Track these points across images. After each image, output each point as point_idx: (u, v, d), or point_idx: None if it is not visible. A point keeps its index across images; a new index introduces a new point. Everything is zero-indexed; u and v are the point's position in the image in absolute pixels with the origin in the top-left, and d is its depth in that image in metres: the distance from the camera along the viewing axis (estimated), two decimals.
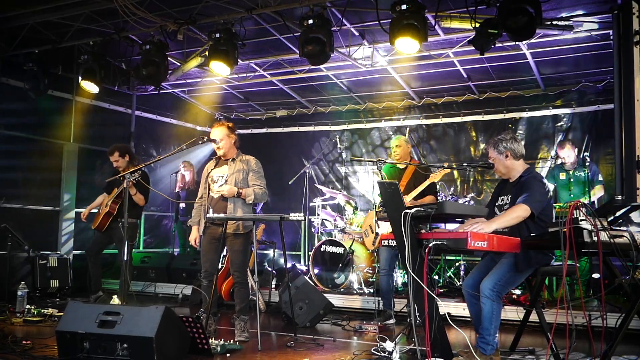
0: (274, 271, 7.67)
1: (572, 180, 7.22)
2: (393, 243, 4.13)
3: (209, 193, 5.38)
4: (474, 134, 9.45)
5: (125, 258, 5.04)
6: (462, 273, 7.47)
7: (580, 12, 6.69)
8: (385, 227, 5.99)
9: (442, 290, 7.23)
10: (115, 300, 5.26)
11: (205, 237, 5.33)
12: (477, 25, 5.91)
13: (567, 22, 6.63)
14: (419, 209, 3.72)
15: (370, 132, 10.23)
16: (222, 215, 5.08)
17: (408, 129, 9.02)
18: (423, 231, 4.00)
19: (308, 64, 7.65)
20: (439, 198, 7.95)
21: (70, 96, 8.67)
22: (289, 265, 8.74)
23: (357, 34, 7.54)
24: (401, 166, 5.95)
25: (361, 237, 7.52)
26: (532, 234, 4.02)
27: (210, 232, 5.30)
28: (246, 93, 10.26)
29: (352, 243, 7.51)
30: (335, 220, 8.37)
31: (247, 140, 10.46)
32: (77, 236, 8.63)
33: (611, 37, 6.91)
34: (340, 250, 7.57)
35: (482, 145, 9.32)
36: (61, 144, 8.65)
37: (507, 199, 4.36)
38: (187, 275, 7.98)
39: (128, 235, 4.98)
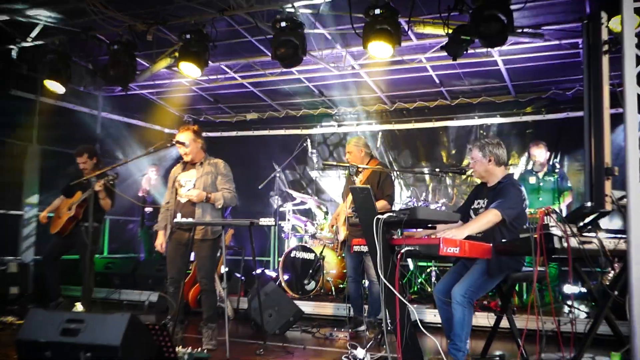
0: (242, 277, 7.62)
1: (541, 184, 7.33)
2: (365, 249, 4.14)
3: (175, 198, 5.33)
4: (445, 139, 9.55)
5: (89, 263, 4.95)
6: (433, 279, 7.53)
7: (550, 20, 6.82)
8: (342, 233, 6.01)
9: (414, 297, 7.27)
10: (79, 307, 5.17)
11: (171, 243, 5.28)
12: (450, 31, 5.98)
13: (537, 31, 6.77)
14: (392, 214, 3.74)
15: (342, 135, 10.27)
16: (190, 220, 5.04)
17: (380, 133, 9.07)
18: (395, 236, 4.02)
19: (280, 67, 7.64)
20: (410, 203, 8.04)
21: (33, 96, 8.50)
22: (258, 271, 8.70)
23: (329, 37, 7.57)
24: (359, 169, 5.97)
25: (332, 243, 7.52)
26: (504, 240, 4.07)
27: (177, 237, 5.25)
28: (216, 95, 10.20)
29: (322, 249, 7.51)
30: (305, 226, 8.36)
31: (216, 143, 10.39)
32: (39, 241, 8.44)
33: (580, 47, 7.08)
34: (311, 256, 7.56)
35: (453, 151, 9.42)
36: (24, 146, 8.47)
37: (483, 203, 4.42)
38: (153, 282, 7.88)
39: (91, 240, 4.90)
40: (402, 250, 3.67)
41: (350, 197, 5.54)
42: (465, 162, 9.21)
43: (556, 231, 3.42)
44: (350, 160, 5.97)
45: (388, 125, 9.89)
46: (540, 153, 7.37)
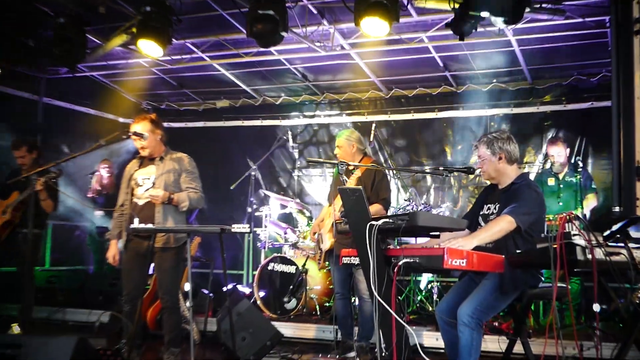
0: (211, 294, 7.59)
1: (561, 186, 7.39)
2: (356, 261, 4.15)
3: (132, 199, 5.30)
4: (450, 132, 9.60)
5: (28, 277, 4.91)
6: (435, 297, 7.55)
7: None
8: (327, 241, 6.01)
9: (412, 317, 7.29)
10: (15, 329, 5.12)
11: (127, 253, 5.25)
12: (457, 5, 6.00)
13: (558, 6, 6.80)
14: (387, 220, 3.74)
15: (329, 127, 10.30)
16: (149, 226, 5.01)
17: (374, 125, 9.08)
18: (391, 247, 4.03)
19: (256, 46, 7.62)
20: (409, 208, 8.07)
21: None
22: (229, 287, 8.67)
23: (315, 11, 7.56)
24: (349, 168, 5.99)
25: (314, 253, 7.52)
26: (518, 251, 4.09)
27: (133, 246, 5.23)
28: (181, 79, 10.16)
29: (305, 261, 7.50)
30: (285, 234, 8.35)
31: (180, 135, 10.37)
32: None
33: (608, 25, 7.13)
34: (292, 269, 7.55)
35: (459, 146, 9.48)
36: None
37: (495, 208, 4.45)
38: (105, 299, 7.82)
39: (31, 249, 4.86)
40: (400, 263, 3.68)
41: (338, 199, 5.53)
42: (472, 160, 9.26)
43: (579, 241, 3.44)
44: (339, 156, 5.97)
45: (383, 115, 9.92)
46: (559, 152, 7.42)
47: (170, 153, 5.42)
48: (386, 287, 3.73)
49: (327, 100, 10.25)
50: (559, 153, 7.41)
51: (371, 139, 9.03)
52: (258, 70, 9.57)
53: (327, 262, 6.28)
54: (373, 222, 3.78)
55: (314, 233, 6.23)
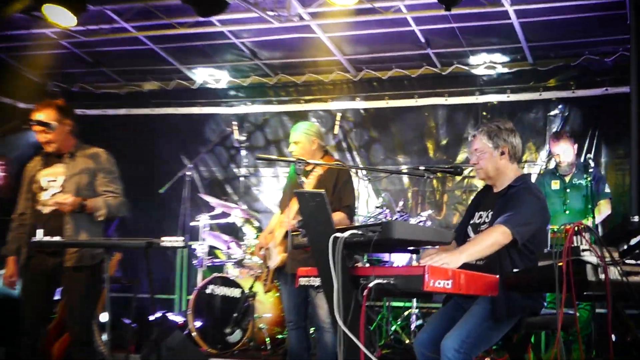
0: (134, 325, 7.52)
1: (568, 191, 7.48)
2: (315, 282, 4.14)
3: (34, 206, 5.25)
4: (433, 124, 9.67)
5: None
6: (413, 326, 7.58)
7: None
8: (276, 258, 6.00)
9: (385, 351, 7.31)
10: None
11: (28, 273, 5.19)
12: None
13: None
14: (356, 232, 3.74)
15: (283, 117, 10.29)
16: (57, 239, 4.94)
17: (339, 114, 9.10)
18: (360, 265, 4.02)
19: (194, 15, 7.57)
20: (382, 216, 8.08)
21: None
22: (157, 315, 8.60)
23: None
24: (307, 167, 6.00)
25: (261, 271, 7.49)
26: (515, 270, 4.12)
27: (36, 264, 5.17)
28: (97, 54, 10.03)
29: (253, 282, 7.47)
30: (229, 248, 8.32)
31: (96, 125, 10.24)
32: None
33: None
34: (236, 292, 7.53)
35: (444, 141, 9.56)
36: None
37: (487, 216, 4.50)
38: None
39: None
40: (371, 285, 3.67)
41: (293, 205, 5.52)
42: (461, 157, 9.35)
43: (590, 257, 3.47)
44: (296, 153, 5.97)
45: (351, 102, 9.96)
46: (565, 150, 7.49)
47: (82, 148, 5.35)
48: (353, 315, 3.72)
49: (281, 83, 10.23)
50: (565, 151, 7.48)
51: (335, 132, 9.06)
52: (195, 45, 9.50)
53: (276, 281, 6.26)
54: (338, 234, 3.77)
55: (260, 248, 6.20)
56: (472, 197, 5.08)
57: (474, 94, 9.45)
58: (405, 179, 9.65)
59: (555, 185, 7.53)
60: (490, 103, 9.40)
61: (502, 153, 4.49)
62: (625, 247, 3.65)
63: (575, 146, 7.58)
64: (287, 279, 5.85)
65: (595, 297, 3.74)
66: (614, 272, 3.52)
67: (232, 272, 8.04)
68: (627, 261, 3.62)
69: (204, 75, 10.40)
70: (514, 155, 4.52)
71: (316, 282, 4.14)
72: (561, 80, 9.13)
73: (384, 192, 9.28)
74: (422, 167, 4.76)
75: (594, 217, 7.10)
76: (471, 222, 4.59)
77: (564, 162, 7.48)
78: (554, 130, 8.89)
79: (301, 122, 6.42)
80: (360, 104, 9.94)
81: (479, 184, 8.94)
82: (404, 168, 9.40)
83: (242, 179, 10.12)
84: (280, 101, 10.31)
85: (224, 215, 8.59)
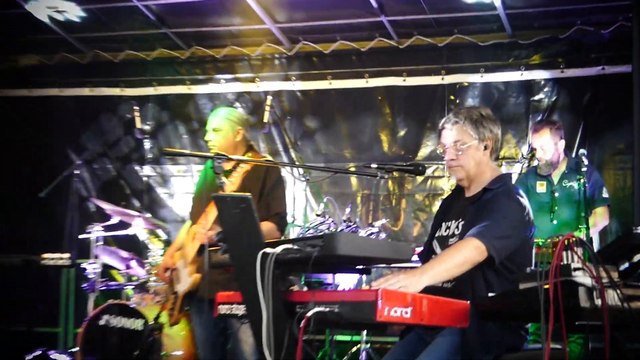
0: None
1: (556, 195, 7.56)
2: (239, 310, 4.15)
3: None
4: (387, 110, 9.75)
5: None
6: None
7: None
8: (186, 280, 5.99)
9: None
10: None
11: None
12: None
13: None
14: (290, 247, 3.74)
15: (199, 101, 10.30)
16: None
17: (270, 98, 9.10)
18: (295, 288, 4.03)
19: None
20: (324, 227, 8.11)
21: None
22: (36, 353, 8.49)
23: None
24: (228, 165, 6.01)
25: (166, 298, 7.46)
26: (491, 295, 4.17)
27: None
28: None
29: (160, 311, 7.42)
30: (128, 268, 8.27)
31: None
32: None
33: None
34: (138, 324, 7.48)
35: (402, 132, 9.63)
36: None
37: (457, 227, 4.55)
38: None
39: None
40: (309, 313, 3.68)
41: (211, 213, 5.51)
42: (423, 152, 9.42)
43: (583, 278, 3.52)
44: (218, 143, 6.02)
45: (284, 83, 10.02)
46: (543, 144, 7.53)
47: None
48: (287, 352, 3.73)
49: (195, 57, 10.23)
50: (544, 145, 7.51)
51: (265, 120, 9.05)
52: (87, 8, 9.44)
53: (187, 309, 6.24)
54: (268, 250, 3.77)
55: (166, 269, 6.17)
56: (437, 203, 5.10)
57: (439, 73, 9.56)
58: (354, 179, 9.71)
59: (541, 187, 7.60)
60: (459, 85, 9.52)
61: (486, 147, 4.56)
62: (627, 265, 3.70)
63: (562, 142, 7.60)
64: (202, 307, 5.83)
65: (589, 327, 3.79)
66: (612, 297, 3.56)
67: (133, 298, 7.98)
68: (630, 283, 3.68)
69: (97, 46, 10.31)
70: (495, 150, 4.60)
71: (240, 310, 4.15)
72: (547, 57, 9.28)
73: (327, 197, 9.27)
74: (374, 165, 4.76)
75: (587, 228, 7.15)
76: (437, 234, 4.64)
77: (542, 160, 7.55)
78: (538, 119, 8.99)
79: (222, 107, 6.42)
80: (296, 85, 10.00)
81: (447, 186, 9.05)
82: (352, 166, 9.45)
83: (145, 179, 10.06)
84: (195, 81, 10.31)
85: (123, 225, 8.53)
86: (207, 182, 6.12)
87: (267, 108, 8.83)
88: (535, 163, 7.83)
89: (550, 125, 7.63)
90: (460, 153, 4.53)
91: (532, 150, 7.97)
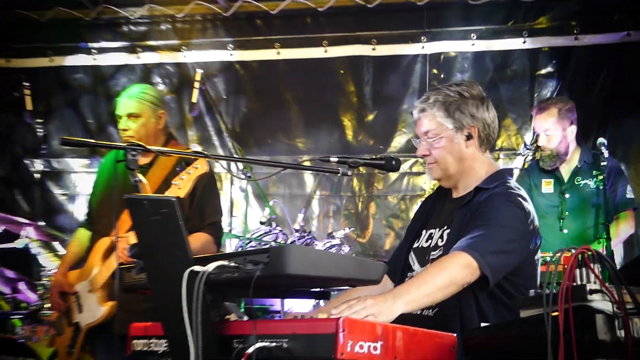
0: None
1: (568, 196, 7.57)
2: (160, 346, 4.11)
3: None
4: (352, 88, 9.75)
5: None
6: None
7: None
8: (95, 309, 5.95)
9: None
10: None
11: None
12: None
13: None
14: (226, 264, 3.71)
15: (108, 76, 10.27)
16: None
17: (200, 72, 9.04)
18: (232, 317, 4.01)
19: None
20: (269, 238, 8.08)
21: None
22: None
23: None
24: (144, 159, 5.98)
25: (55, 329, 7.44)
26: (484, 325, 4.16)
27: None
28: None
29: (55, 348, 7.39)
30: (16, 292, 8.20)
31: None
32: None
33: None
34: None
35: (370, 116, 9.62)
36: None
37: (441, 237, 4.54)
38: None
39: None
40: (251, 350, 3.66)
41: (124, 221, 5.48)
42: (398, 142, 9.43)
43: (601, 303, 3.52)
44: (135, 132, 6.07)
45: (219, 53, 10.04)
46: (548, 129, 7.52)
47: None
48: None
49: (103, 19, 10.20)
50: (548, 129, 7.49)
51: (194, 100, 9.00)
52: None
53: (89, 347, 6.21)
54: (197, 268, 3.74)
55: (60, 292, 6.13)
56: (416, 207, 5.07)
57: (418, 39, 9.61)
58: (309, 177, 9.72)
59: (548, 187, 7.61)
60: (444, 54, 9.56)
61: (469, 137, 4.52)
62: None
63: (572, 128, 7.59)
64: (112, 342, 5.81)
65: None
66: (639, 327, 3.58)
67: (21, 331, 7.93)
68: None
69: None
70: (486, 140, 4.56)
71: (160, 346, 4.13)
72: (557, 20, 9.34)
73: (273, 199, 9.29)
74: (334, 159, 4.73)
75: (608, 239, 7.18)
76: (415, 245, 4.62)
77: (546, 149, 7.50)
78: (544, 96, 9.01)
79: (138, 85, 6.40)
80: (234, 56, 10.02)
81: (428, 185, 9.06)
82: (306, 160, 9.44)
83: (38, 176, 10.00)
84: (103, 49, 10.29)
85: (8, 236, 8.47)
86: (111, 180, 6.09)
87: (197, 85, 8.75)
88: (539, 155, 7.82)
89: (559, 105, 7.58)
90: (433, 147, 4.54)
91: (536, 138, 7.96)
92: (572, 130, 7.56)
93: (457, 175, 4.57)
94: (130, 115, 6.00)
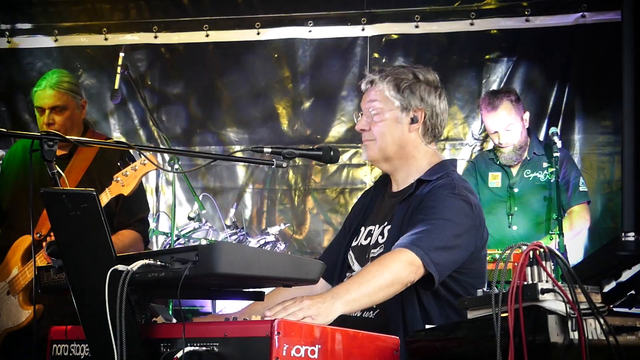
0: None
1: (516, 190, 7.62)
2: (81, 351, 4.10)
3: None
4: (287, 72, 9.78)
5: None
6: None
7: None
8: (15, 313, 5.93)
9: None
10: None
11: None
12: None
13: None
14: (152, 262, 3.72)
15: (21, 60, 10.22)
16: None
17: (121, 55, 9.01)
18: (159, 320, 4.02)
19: None
20: (199, 235, 8.07)
21: None
22: None
23: None
24: (61, 150, 5.96)
25: None
26: (429, 326, 4.19)
27: None
28: None
29: None
30: None
31: None
32: None
33: None
34: None
35: (307, 102, 9.63)
36: None
37: (382, 233, 4.55)
38: None
39: None
40: (179, 355, 3.67)
41: (42, 220, 5.46)
42: (337, 132, 9.45)
43: (553, 303, 3.56)
44: (59, 123, 6.08)
45: (143, 35, 10.02)
46: (508, 124, 7.54)
47: None
48: None
49: None
50: (508, 125, 7.53)
51: (116, 87, 8.97)
52: None
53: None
54: (120, 267, 3.74)
55: None
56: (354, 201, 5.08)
57: (358, 21, 9.61)
58: (240, 169, 9.71)
59: (495, 181, 7.64)
60: (386, 37, 9.59)
61: (414, 120, 4.52)
62: (614, 285, 3.74)
63: (527, 114, 7.66)
64: (30, 349, 5.79)
65: None
66: (594, 328, 3.61)
67: None
68: (616, 309, 3.71)
69: None
70: (431, 130, 4.57)
71: (82, 350, 4.13)
72: (506, 0, 9.36)
73: (203, 193, 9.28)
74: (268, 149, 4.74)
75: (561, 235, 7.25)
76: (353, 243, 4.64)
77: (507, 146, 7.55)
78: (492, 87, 9.05)
79: (56, 72, 6.38)
80: (159, 38, 9.98)
81: (370, 178, 9.08)
82: (238, 150, 9.44)
83: None
84: (16, 31, 10.23)
85: None
86: (24, 172, 6.08)
87: (119, 70, 8.72)
88: (489, 146, 7.86)
89: (508, 95, 7.69)
90: (374, 121, 4.54)
91: (483, 127, 8.00)
92: (527, 116, 7.66)
93: (395, 160, 4.58)
94: (54, 109, 5.99)
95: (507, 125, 7.52)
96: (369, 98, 4.57)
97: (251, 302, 4.39)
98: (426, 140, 4.56)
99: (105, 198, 5.74)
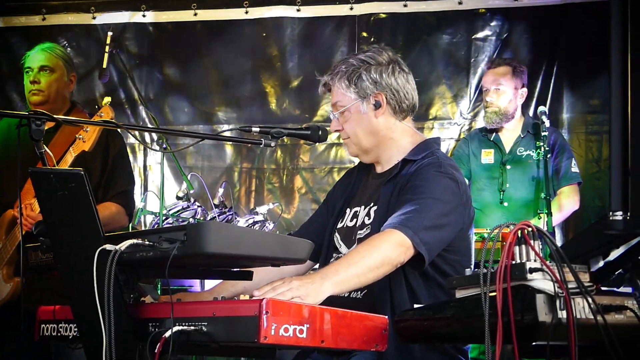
0: None
1: (509, 168, 7.61)
2: (69, 331, 4.10)
3: None
4: (276, 52, 9.77)
5: None
6: None
7: None
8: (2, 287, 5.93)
9: None
10: None
11: None
12: None
13: None
14: (140, 242, 3.70)
15: (9, 39, 10.21)
16: None
17: (109, 34, 8.98)
18: (148, 300, 4.00)
19: None
20: (187, 215, 8.06)
21: None
22: None
23: None
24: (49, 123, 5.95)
25: None
26: (417, 305, 4.17)
27: None
28: None
29: None
30: None
31: None
32: None
33: None
34: None
35: (295, 81, 9.61)
36: None
37: (368, 215, 4.55)
38: None
39: None
40: (167, 334, 3.65)
41: (27, 194, 5.45)
42: (325, 111, 9.42)
43: (542, 282, 3.54)
44: (42, 92, 6.08)
45: (131, 14, 10.03)
46: (505, 84, 7.55)
47: None
48: None
49: None
50: (500, 84, 7.53)
51: (104, 66, 8.94)
52: None
53: None
54: (108, 246, 3.72)
55: None
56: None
57: (346, 0, 9.58)
58: (229, 149, 9.69)
59: (488, 157, 7.62)
60: (374, 17, 9.57)
61: (377, 105, 4.51)
62: (602, 264, 3.73)
63: (523, 91, 7.65)
64: (19, 327, 5.78)
65: (551, 349, 3.83)
66: (582, 307, 3.60)
67: None
68: (605, 289, 3.71)
69: None
70: (398, 107, 4.55)
71: (70, 331, 4.11)
72: None
73: (192, 173, 9.26)
74: (256, 128, 4.72)
75: (549, 214, 7.24)
76: (339, 225, 4.64)
77: (492, 106, 7.57)
78: (481, 66, 9.11)
79: (48, 43, 6.37)
80: (148, 17, 9.99)
81: (348, 162, 9.07)
82: (226, 130, 9.42)
83: None
84: (4, 9, 10.15)
85: None
86: (8, 146, 6.06)
87: (107, 49, 8.69)
88: (480, 123, 7.84)
89: (514, 64, 7.76)
90: (344, 121, 4.60)
91: (476, 107, 7.96)
92: (523, 93, 7.68)
93: (374, 149, 4.59)
94: (43, 68, 5.98)
95: (499, 84, 7.58)
96: (332, 100, 4.61)
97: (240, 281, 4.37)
98: (400, 118, 4.56)
99: (69, 157, 5.74)
